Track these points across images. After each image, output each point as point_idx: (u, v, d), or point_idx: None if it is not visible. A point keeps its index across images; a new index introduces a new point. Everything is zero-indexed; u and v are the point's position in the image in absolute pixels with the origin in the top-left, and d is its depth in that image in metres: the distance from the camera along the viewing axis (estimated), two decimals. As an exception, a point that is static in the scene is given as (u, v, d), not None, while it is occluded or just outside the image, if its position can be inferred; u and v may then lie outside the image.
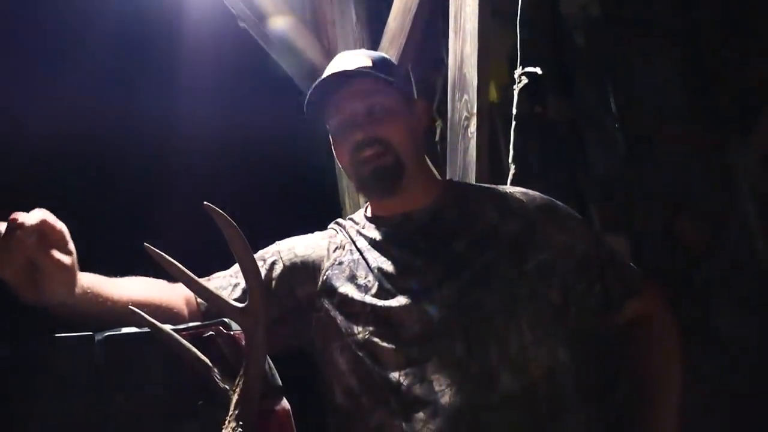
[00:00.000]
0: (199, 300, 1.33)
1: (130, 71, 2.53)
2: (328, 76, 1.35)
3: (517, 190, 1.43)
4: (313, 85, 1.36)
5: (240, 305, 1.05)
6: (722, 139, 3.01)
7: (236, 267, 1.39)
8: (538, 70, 1.79)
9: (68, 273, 1.05)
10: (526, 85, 1.94)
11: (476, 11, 1.85)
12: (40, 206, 1.03)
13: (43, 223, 1.00)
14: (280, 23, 2.20)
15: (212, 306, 1.14)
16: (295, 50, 2.23)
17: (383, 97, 1.35)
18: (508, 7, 2.08)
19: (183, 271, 1.05)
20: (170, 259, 1.05)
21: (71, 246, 1.06)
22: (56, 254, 1.02)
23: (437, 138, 2.33)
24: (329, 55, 2.26)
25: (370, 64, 1.37)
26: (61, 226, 1.04)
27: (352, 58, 1.40)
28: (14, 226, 0.98)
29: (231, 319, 1.08)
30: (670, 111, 2.94)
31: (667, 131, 2.88)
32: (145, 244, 1.03)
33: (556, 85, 2.59)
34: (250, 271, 1.02)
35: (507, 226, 1.34)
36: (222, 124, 2.65)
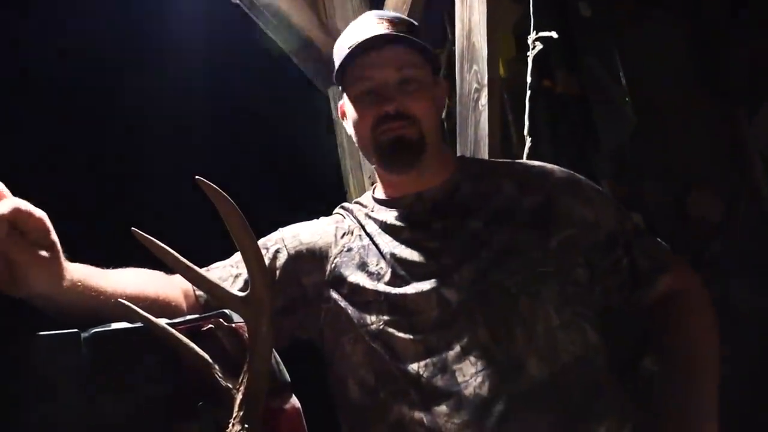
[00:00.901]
0: (198, 292, 1.23)
1: (121, 49, 2.42)
2: (362, 42, 1.23)
3: (535, 164, 1.35)
4: (348, 49, 1.25)
5: (242, 294, 0.95)
6: (732, 113, 2.93)
7: (236, 256, 1.30)
8: (554, 34, 1.68)
9: (49, 265, 0.96)
10: (535, 58, 1.84)
11: (483, -26, 1.74)
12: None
13: (16, 212, 0.90)
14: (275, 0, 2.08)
15: (211, 296, 1.04)
16: (290, 25, 2.12)
17: (415, 69, 1.26)
18: (512, -22, 1.98)
19: (178, 258, 0.95)
20: (163, 245, 0.94)
21: (53, 236, 0.96)
22: (32, 246, 0.93)
23: (443, 116, 2.24)
24: (326, 30, 2.16)
25: (404, 29, 1.26)
26: (40, 214, 0.94)
27: (383, 21, 1.28)
28: None
29: (232, 310, 0.98)
30: (679, 84, 2.85)
31: (677, 105, 2.80)
32: (132, 228, 0.92)
33: (563, 58, 2.49)
34: (250, 253, 0.92)
35: (526, 202, 1.24)
36: (216, 103, 2.54)
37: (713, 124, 2.85)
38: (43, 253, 0.94)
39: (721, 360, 1.26)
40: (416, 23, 1.35)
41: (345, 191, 2.19)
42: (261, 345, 0.93)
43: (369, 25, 1.27)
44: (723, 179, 2.76)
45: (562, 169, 1.34)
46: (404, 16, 1.40)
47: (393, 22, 1.28)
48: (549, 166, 1.34)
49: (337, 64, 1.30)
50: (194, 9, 2.24)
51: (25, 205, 0.92)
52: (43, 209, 0.95)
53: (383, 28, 1.25)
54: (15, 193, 0.94)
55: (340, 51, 1.29)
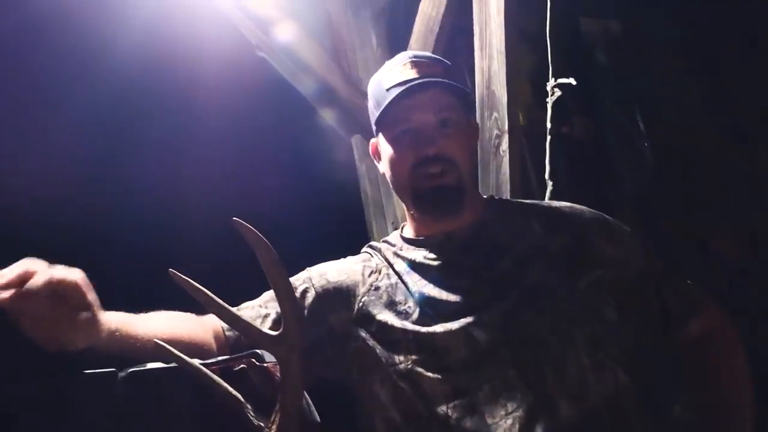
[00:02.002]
0: (227, 333, 1.25)
1: (151, 102, 2.51)
2: (408, 85, 1.25)
3: (562, 204, 1.35)
4: (390, 96, 1.26)
5: (273, 333, 0.97)
6: (751, 153, 2.93)
7: (265, 296, 1.32)
8: (572, 81, 1.72)
9: (88, 324, 1.02)
10: (554, 103, 1.87)
11: (502, 26, 1.80)
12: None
13: (51, 285, 0.97)
14: (298, 50, 2.15)
15: (244, 335, 1.06)
16: (313, 75, 2.18)
17: (454, 111, 1.28)
18: (528, 26, 2.04)
19: (211, 298, 0.97)
20: (198, 285, 0.97)
21: (90, 297, 1.02)
22: (72, 311, 0.99)
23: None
24: (348, 79, 2.22)
25: (440, 71, 1.29)
26: (73, 278, 1.00)
27: (420, 62, 1.30)
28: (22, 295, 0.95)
29: (264, 348, 1.01)
30: (696, 127, 2.87)
31: (695, 147, 2.81)
32: (170, 270, 0.96)
33: (581, 104, 2.53)
34: (283, 293, 0.94)
35: (555, 242, 1.25)
36: (242, 151, 2.61)
37: (732, 164, 2.85)
38: (83, 314, 1.00)
39: (754, 401, 1.25)
40: (448, 62, 1.37)
41: (369, 238, 2.21)
42: (292, 383, 0.95)
43: (406, 66, 1.29)
44: (744, 220, 2.75)
45: (591, 210, 1.34)
46: (439, 57, 1.42)
47: (428, 64, 1.30)
48: (578, 206, 1.34)
49: (374, 103, 1.31)
50: (219, 58, 2.32)
51: (59, 273, 0.98)
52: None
53: (421, 70, 1.27)
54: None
55: (378, 92, 1.31)
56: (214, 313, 0.99)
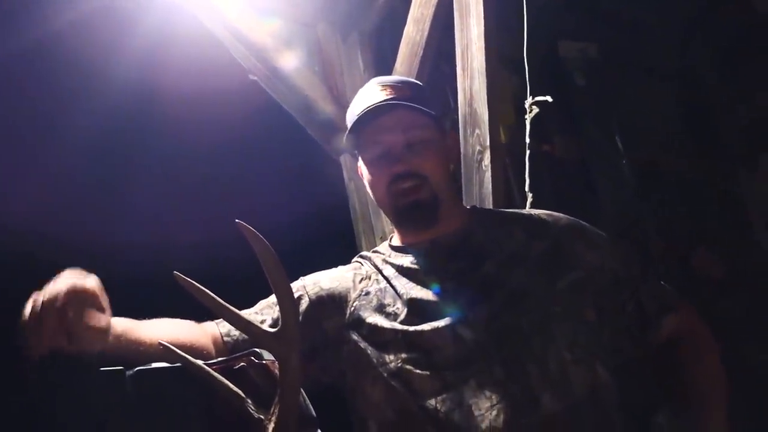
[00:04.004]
0: (225, 339, 1.31)
1: (142, 128, 2.58)
2: (370, 109, 1.34)
3: (542, 212, 1.42)
4: (355, 117, 1.35)
5: (272, 330, 1.03)
6: (731, 174, 3.01)
7: (261, 304, 1.38)
8: (549, 98, 1.82)
9: (101, 330, 1.09)
10: (533, 123, 1.96)
11: (483, 50, 1.89)
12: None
13: (70, 293, 1.04)
14: (290, 74, 2.24)
15: (244, 332, 1.12)
16: (305, 99, 2.26)
17: (421, 129, 1.35)
18: (508, 49, 2.14)
19: (214, 298, 1.04)
20: (201, 287, 1.03)
21: (105, 302, 1.10)
22: (89, 317, 1.06)
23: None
24: (338, 102, 2.30)
25: (405, 93, 1.37)
26: (90, 284, 1.08)
27: (387, 86, 1.38)
28: (42, 306, 1.03)
29: (263, 346, 1.07)
30: (676, 145, 2.96)
31: (675, 165, 2.90)
32: (174, 272, 1.02)
33: (561, 124, 2.62)
34: (282, 291, 1.01)
35: (535, 247, 1.32)
36: (235, 171, 2.68)
37: (713, 183, 2.94)
38: (96, 316, 1.07)
39: (728, 397, 1.29)
40: (419, 83, 1.45)
41: (359, 252, 2.27)
42: (291, 377, 1.01)
43: (374, 92, 1.38)
44: (725, 238, 2.83)
45: (568, 216, 1.42)
46: (408, 79, 1.50)
47: (396, 87, 1.38)
48: (556, 214, 1.42)
49: (348, 131, 1.40)
50: (214, 82, 2.40)
51: (78, 280, 1.06)
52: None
53: (387, 94, 1.36)
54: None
55: (351, 118, 1.40)
56: (216, 312, 1.06)
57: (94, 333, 1.06)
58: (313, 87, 2.27)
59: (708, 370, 1.30)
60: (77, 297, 1.05)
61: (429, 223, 1.36)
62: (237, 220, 0.98)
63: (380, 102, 1.34)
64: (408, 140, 1.34)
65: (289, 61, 2.22)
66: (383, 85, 1.39)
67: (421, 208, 1.34)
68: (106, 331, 1.09)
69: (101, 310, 1.09)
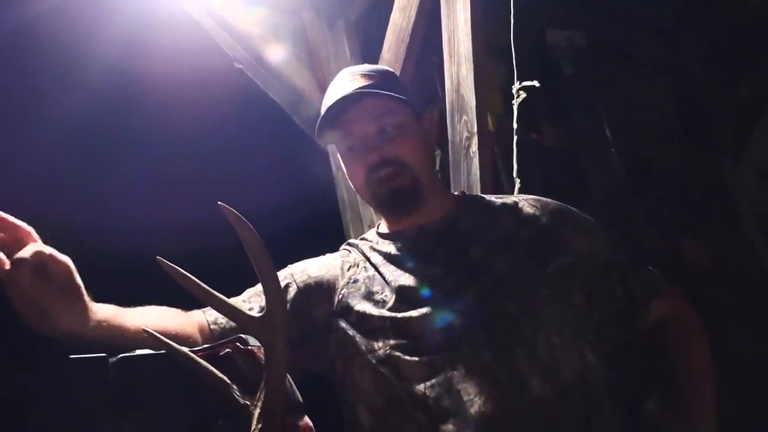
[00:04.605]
0: (212, 327, 1.29)
1: (124, 115, 2.56)
2: (336, 101, 1.32)
3: (530, 197, 1.42)
4: (323, 112, 1.34)
5: (258, 315, 1.02)
6: (718, 161, 3.03)
7: (248, 292, 1.37)
8: (536, 83, 1.81)
9: (73, 307, 1.04)
10: (521, 111, 1.95)
11: (469, 34, 1.88)
12: None
13: (39, 256, 1.00)
14: (276, 62, 2.21)
15: (230, 318, 1.11)
16: (292, 87, 2.24)
17: (393, 115, 1.33)
18: (495, 36, 2.12)
19: (198, 283, 1.02)
20: (184, 272, 1.02)
21: (77, 280, 1.05)
22: (57, 291, 1.02)
23: (437, 167, 2.33)
24: (325, 92, 2.28)
25: (374, 81, 1.35)
26: (63, 259, 1.03)
27: (356, 76, 1.37)
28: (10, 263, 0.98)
29: (249, 332, 1.05)
30: (665, 135, 2.97)
31: (664, 155, 2.90)
32: (158, 258, 1.00)
33: (549, 113, 2.62)
34: (267, 275, 0.99)
35: (523, 232, 1.31)
36: (221, 160, 2.66)
37: (700, 173, 2.95)
38: (68, 296, 1.03)
39: (715, 381, 1.30)
40: (390, 69, 1.43)
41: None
42: (276, 362, 0.99)
43: (343, 83, 1.36)
44: (713, 226, 2.84)
45: (556, 201, 1.41)
46: (379, 66, 1.48)
47: (366, 75, 1.37)
48: (544, 199, 1.41)
49: (319, 127, 1.37)
50: (199, 69, 2.37)
51: (48, 250, 1.02)
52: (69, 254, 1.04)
53: (357, 84, 1.34)
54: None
55: (323, 111, 1.37)
56: (201, 298, 1.04)
57: (67, 310, 1.02)
58: (299, 75, 2.25)
59: (696, 356, 1.30)
60: (46, 266, 1.00)
61: (412, 207, 1.34)
62: (219, 203, 0.96)
63: (347, 93, 1.32)
64: (380, 127, 1.32)
65: (275, 50, 2.20)
66: (352, 75, 1.38)
67: (401, 193, 1.33)
68: (81, 311, 1.05)
69: (71, 289, 1.04)
